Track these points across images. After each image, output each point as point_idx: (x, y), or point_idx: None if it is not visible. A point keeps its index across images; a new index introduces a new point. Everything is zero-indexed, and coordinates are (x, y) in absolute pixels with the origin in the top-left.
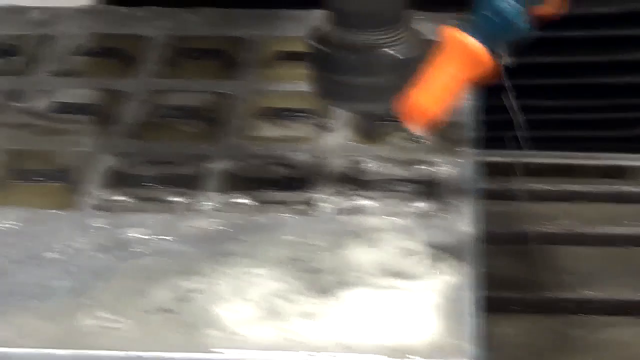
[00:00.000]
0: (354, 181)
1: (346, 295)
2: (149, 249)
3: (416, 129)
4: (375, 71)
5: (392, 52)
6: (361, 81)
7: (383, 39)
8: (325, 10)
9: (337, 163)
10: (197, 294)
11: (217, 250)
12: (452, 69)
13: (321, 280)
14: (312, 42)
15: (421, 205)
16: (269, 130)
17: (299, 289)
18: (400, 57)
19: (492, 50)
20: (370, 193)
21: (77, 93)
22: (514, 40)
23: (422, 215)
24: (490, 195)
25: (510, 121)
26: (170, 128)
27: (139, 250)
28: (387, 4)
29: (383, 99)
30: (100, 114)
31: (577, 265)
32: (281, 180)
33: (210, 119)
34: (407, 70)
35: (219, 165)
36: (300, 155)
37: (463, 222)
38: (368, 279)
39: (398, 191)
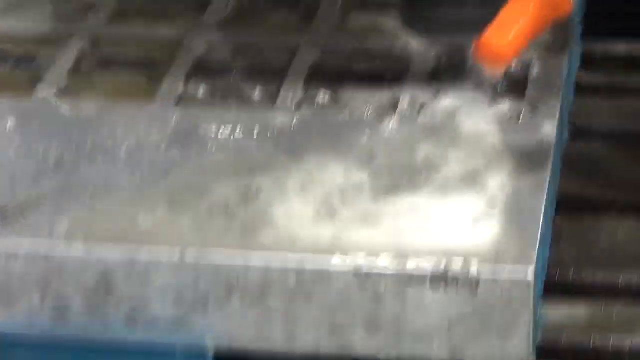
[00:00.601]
0: (437, 79)
1: (413, 197)
2: (220, 146)
3: (490, 69)
4: (463, 3)
5: None
6: (449, 13)
7: None
8: None
9: (425, 59)
10: (260, 193)
11: (289, 147)
12: (529, 9)
13: (389, 179)
14: None
15: (507, 105)
16: (365, 21)
17: (365, 189)
18: None
19: None
20: (456, 92)
21: None
22: None
23: (506, 115)
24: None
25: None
26: (262, 17)
27: (210, 146)
28: None
29: (470, 32)
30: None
31: None
32: (366, 77)
33: (306, 8)
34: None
35: (305, 59)
36: (390, 51)
37: (548, 124)
38: (437, 180)
39: (485, 90)
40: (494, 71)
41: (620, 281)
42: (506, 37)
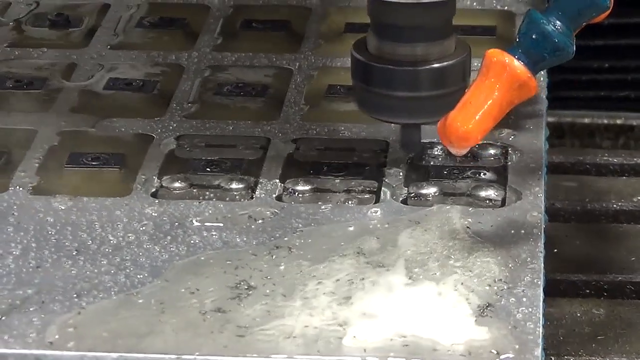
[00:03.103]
0: (420, 167)
1: (410, 292)
2: (204, 240)
3: (455, 151)
4: (420, 85)
5: (437, 65)
6: (405, 95)
7: (429, 52)
8: (370, 22)
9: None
10: (252, 291)
11: (273, 243)
12: (495, 91)
13: (383, 273)
14: (355, 54)
15: (488, 193)
16: (333, 110)
17: (360, 284)
18: (446, 72)
19: (536, 73)
20: (438, 179)
21: (136, 68)
22: (559, 63)
23: (487, 203)
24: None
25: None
26: (230, 107)
27: (194, 242)
28: (433, 18)
29: (428, 114)
30: (159, 92)
31: None
32: (343, 166)
33: (272, 97)
34: (452, 85)
35: (279, 149)
36: (365, 138)
37: (535, 211)
38: (432, 274)
39: (464, 178)
40: (459, 153)
41: None
42: (472, 119)
